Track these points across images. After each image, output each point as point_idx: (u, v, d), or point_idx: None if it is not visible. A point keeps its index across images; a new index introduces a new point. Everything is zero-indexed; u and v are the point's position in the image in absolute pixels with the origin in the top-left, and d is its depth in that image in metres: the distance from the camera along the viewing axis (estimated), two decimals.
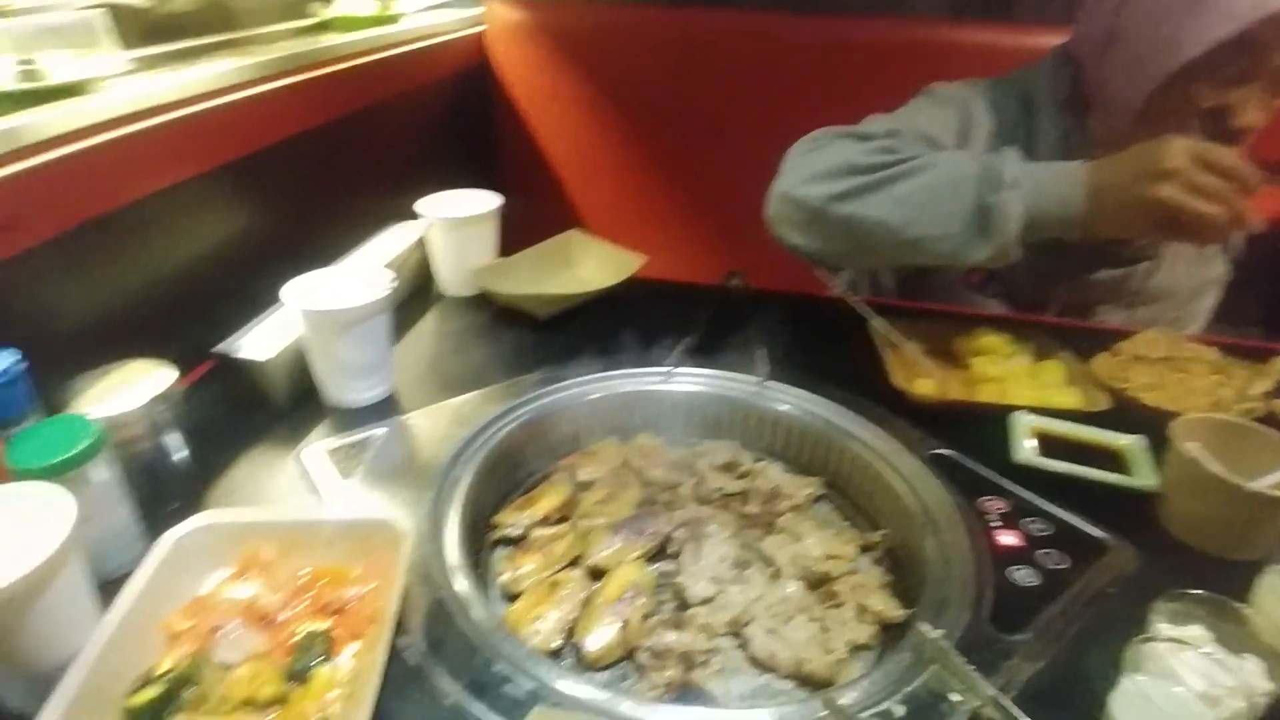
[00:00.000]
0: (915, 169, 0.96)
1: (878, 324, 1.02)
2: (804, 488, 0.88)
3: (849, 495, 0.90)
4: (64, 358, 0.76)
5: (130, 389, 0.74)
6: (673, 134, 1.62)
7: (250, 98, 1.07)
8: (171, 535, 0.66)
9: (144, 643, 0.60)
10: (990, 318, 1.11)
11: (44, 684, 0.53)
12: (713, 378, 0.99)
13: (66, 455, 0.62)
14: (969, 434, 0.87)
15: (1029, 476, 0.81)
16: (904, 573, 0.79)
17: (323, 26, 1.53)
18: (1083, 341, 1.03)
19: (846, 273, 1.30)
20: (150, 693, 0.55)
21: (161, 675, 0.56)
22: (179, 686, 0.55)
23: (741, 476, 0.91)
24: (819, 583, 0.77)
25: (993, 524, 0.76)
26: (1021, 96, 1.12)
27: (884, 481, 0.84)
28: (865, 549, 0.82)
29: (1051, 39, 1.13)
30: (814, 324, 1.10)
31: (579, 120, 1.66)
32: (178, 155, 0.97)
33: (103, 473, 0.66)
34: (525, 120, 1.69)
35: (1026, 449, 0.84)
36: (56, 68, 0.91)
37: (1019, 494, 0.80)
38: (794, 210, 1.04)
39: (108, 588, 0.61)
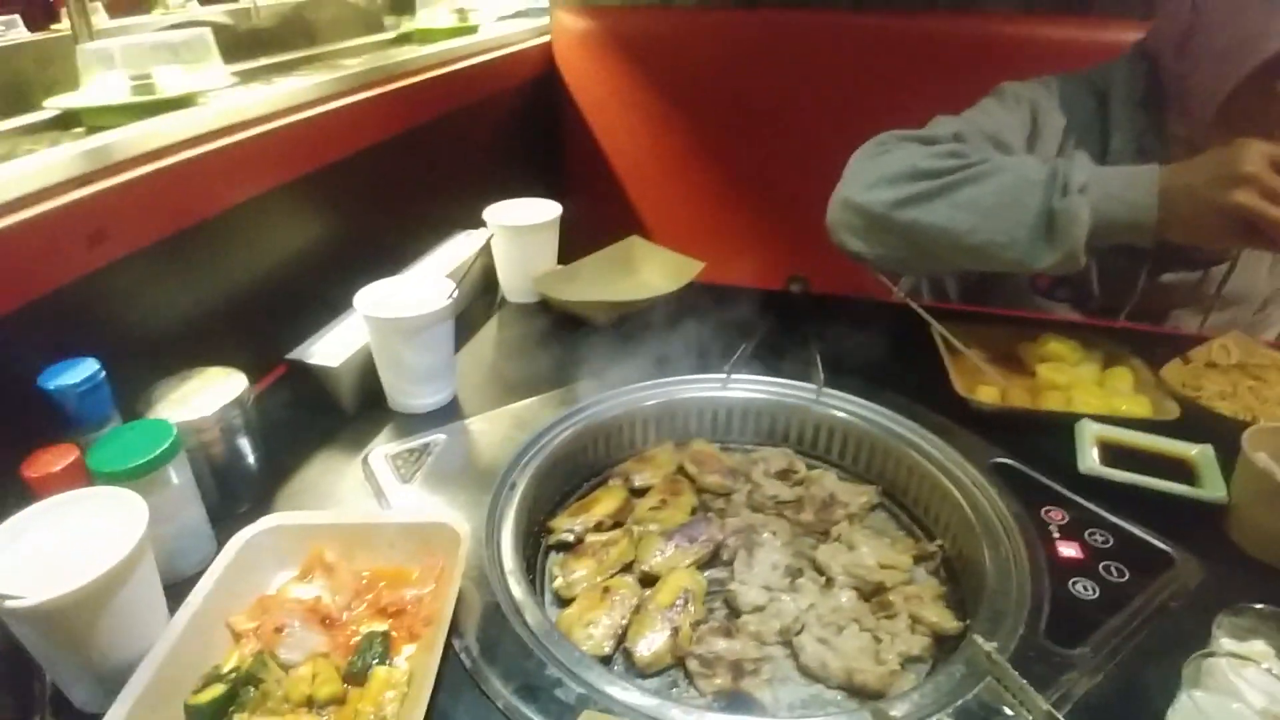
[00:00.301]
0: (980, 174, 0.94)
1: (940, 329, 1.00)
2: (859, 496, 0.87)
3: (905, 504, 0.89)
4: (142, 365, 0.81)
5: (205, 395, 0.78)
6: (735, 138, 1.61)
7: (329, 112, 1.12)
8: (241, 537, 0.69)
9: (210, 641, 0.63)
10: (1057, 323, 1.07)
11: (113, 682, 0.56)
12: (769, 384, 0.99)
13: (143, 460, 0.66)
14: (1032, 443, 0.85)
15: (1093, 487, 0.79)
16: (960, 584, 0.78)
17: (404, 38, 1.60)
18: (1154, 348, 0.99)
19: (908, 278, 1.28)
20: (214, 691, 0.57)
21: (225, 674, 0.59)
22: (242, 685, 0.58)
23: (796, 484, 0.91)
24: (873, 593, 0.76)
25: (1053, 535, 0.74)
26: (1096, 94, 1.08)
27: (942, 490, 0.83)
28: (921, 559, 0.81)
29: (1128, 34, 1.09)
30: (874, 330, 1.08)
31: (642, 126, 1.67)
32: (257, 170, 1.01)
33: (177, 476, 0.70)
34: (590, 127, 1.71)
35: (1091, 458, 0.82)
36: (168, 81, 0.98)
37: (1082, 504, 0.78)
38: (855, 217, 1.03)
39: (179, 587, 0.64)
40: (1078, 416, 0.87)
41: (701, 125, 1.63)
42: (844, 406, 0.94)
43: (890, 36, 1.49)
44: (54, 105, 0.99)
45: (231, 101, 1.00)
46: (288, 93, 1.08)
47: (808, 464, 0.94)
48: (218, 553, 0.68)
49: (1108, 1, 1.44)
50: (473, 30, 1.62)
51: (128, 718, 0.53)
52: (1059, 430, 0.86)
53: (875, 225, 1.01)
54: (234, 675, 0.58)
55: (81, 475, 0.65)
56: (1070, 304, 1.16)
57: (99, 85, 0.98)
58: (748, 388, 0.99)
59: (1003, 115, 1.08)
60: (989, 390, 0.93)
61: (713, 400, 0.99)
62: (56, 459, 0.66)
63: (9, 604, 0.52)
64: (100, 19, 1.11)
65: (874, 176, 1.01)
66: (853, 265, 1.08)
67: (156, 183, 0.87)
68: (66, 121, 0.99)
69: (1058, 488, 0.80)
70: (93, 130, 0.92)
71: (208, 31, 1.07)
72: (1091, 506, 0.77)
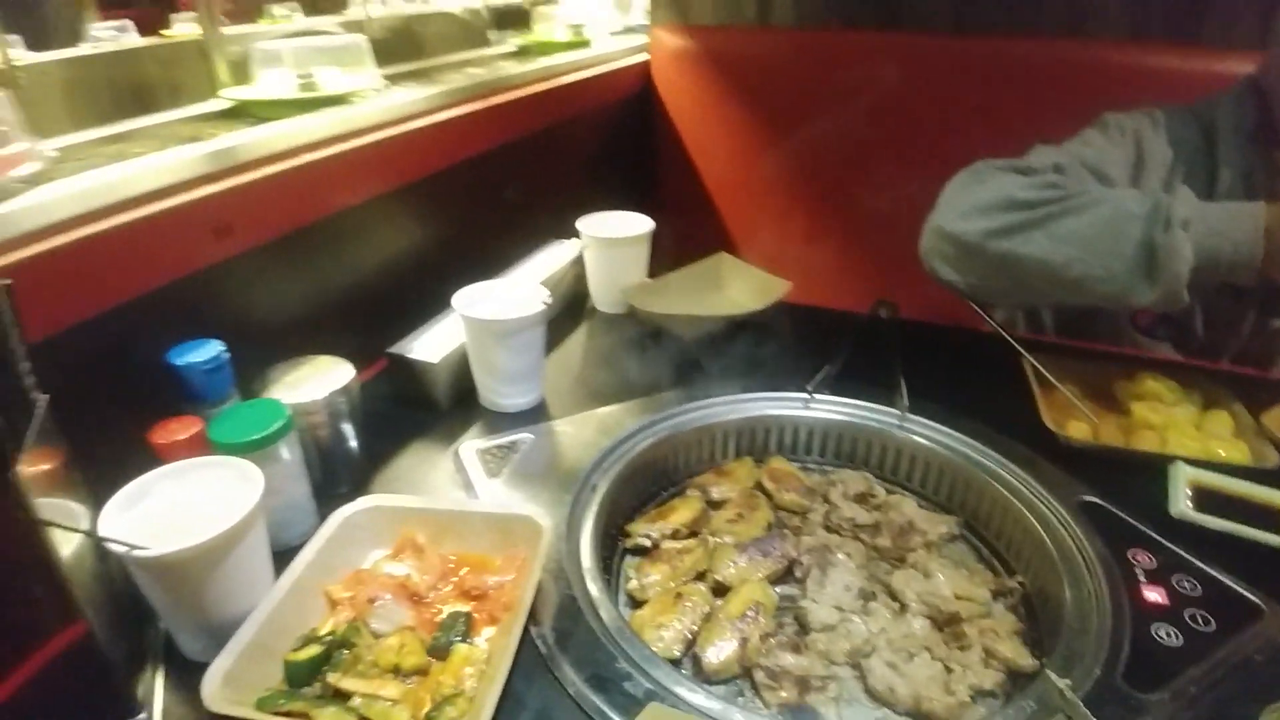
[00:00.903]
0: (1079, 205, 0.92)
1: (1032, 361, 0.98)
2: (939, 525, 0.87)
3: (986, 537, 0.88)
4: (259, 349, 0.86)
5: (314, 381, 0.84)
6: (828, 160, 1.61)
7: (441, 122, 1.18)
8: (340, 514, 0.74)
9: (308, 606, 0.67)
10: (1156, 362, 1.04)
11: (220, 634, 0.61)
12: (852, 406, 0.99)
13: (259, 435, 0.72)
14: (1122, 482, 0.82)
15: (1183, 531, 0.77)
16: (1038, 621, 0.76)
17: (523, 51, 1.68)
18: (1259, 393, 0.95)
19: (1003, 308, 1.25)
20: (311, 651, 0.62)
21: (322, 636, 0.63)
22: (336, 648, 0.63)
23: (874, 508, 0.90)
24: (947, 622, 0.76)
25: (1139, 578, 0.72)
26: (1203, 128, 1.05)
27: (1025, 525, 0.81)
28: (999, 594, 0.79)
29: (1238, 66, 1.06)
30: (962, 359, 1.08)
31: (735, 144, 1.69)
32: (370, 176, 1.08)
33: (287, 452, 0.75)
34: (683, 144, 1.74)
35: (1183, 502, 0.79)
36: (329, 81, 1.10)
37: (1171, 549, 0.75)
38: (949, 245, 1.02)
39: (282, 556, 0.69)
40: (1172, 458, 0.84)
41: (795, 146, 1.63)
42: (927, 433, 0.94)
43: (991, 61, 1.47)
44: (229, 96, 1.10)
45: (385, 101, 1.12)
46: (430, 96, 1.19)
47: (887, 489, 0.94)
48: (318, 527, 0.73)
49: (1217, 32, 1.39)
50: (586, 44, 1.70)
51: (232, 668, 0.58)
52: (1151, 471, 0.84)
53: (969, 254, 1.00)
54: (330, 638, 0.62)
55: (203, 445, 0.71)
56: (1172, 344, 1.12)
57: (268, 81, 1.11)
58: (829, 409, 0.99)
59: (1106, 147, 1.05)
60: (1080, 426, 0.91)
61: (793, 419, 0.99)
62: (182, 429, 0.72)
63: (136, 554, 0.57)
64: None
65: (968, 205, 1.00)
66: (942, 293, 1.07)
67: (278, 184, 0.94)
68: (237, 112, 1.09)
69: (1146, 530, 0.77)
70: (259, 120, 1.01)
71: (364, 38, 1.18)
72: (1181, 552, 0.75)
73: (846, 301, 1.20)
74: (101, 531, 0.58)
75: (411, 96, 1.16)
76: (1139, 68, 1.39)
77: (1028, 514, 0.81)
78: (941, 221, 1.02)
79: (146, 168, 0.82)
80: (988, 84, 1.47)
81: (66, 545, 0.55)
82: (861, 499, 0.91)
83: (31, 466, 0.52)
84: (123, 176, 0.79)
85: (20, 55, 1.04)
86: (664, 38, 1.71)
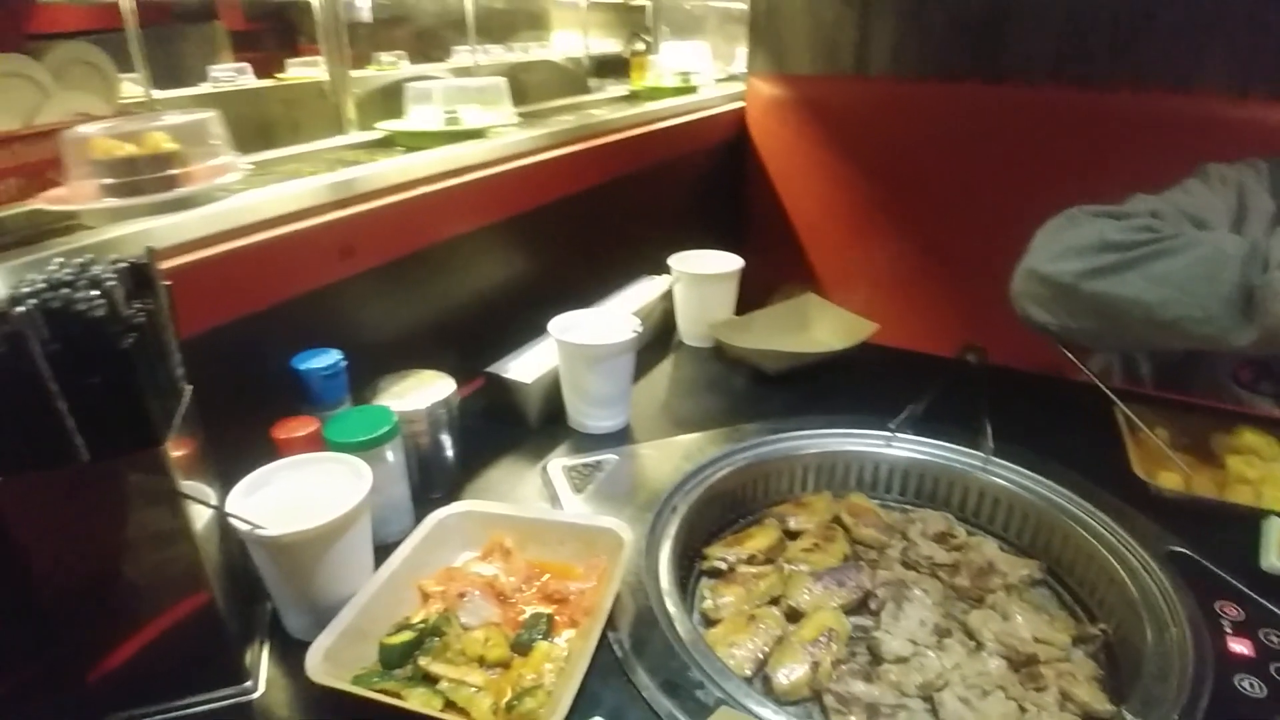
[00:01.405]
0: (1176, 246, 0.91)
1: (1124, 409, 0.96)
2: (1020, 568, 0.85)
3: (1068, 583, 0.86)
4: (372, 361, 0.94)
5: (419, 392, 0.90)
6: (919, 206, 1.62)
7: (547, 160, 1.26)
8: (436, 515, 0.79)
9: (403, 597, 0.72)
10: (1256, 416, 1.00)
11: (322, 615, 0.66)
12: (935, 447, 0.99)
13: (369, 436, 0.78)
14: (1212, 534, 0.80)
15: (1274, 586, 0.74)
16: (1118, 669, 0.74)
17: (633, 96, 1.80)
18: None
19: (1098, 356, 1.23)
20: (404, 636, 0.66)
21: (415, 624, 0.68)
22: (427, 635, 0.67)
23: (954, 548, 0.90)
24: (1024, 664, 0.75)
25: (1225, 630, 0.70)
26: None
27: (1110, 573, 0.79)
28: (1080, 641, 0.78)
29: None
30: (1051, 405, 1.06)
31: (826, 189, 1.71)
32: (479, 208, 1.15)
33: (392, 455, 0.81)
34: (774, 187, 1.78)
35: (1275, 557, 0.76)
36: (470, 117, 1.25)
37: (1260, 602, 0.73)
38: (1041, 287, 1.02)
39: (381, 550, 0.75)
40: (1266, 513, 0.82)
41: (885, 191, 1.65)
42: (1011, 476, 0.93)
43: (1091, 113, 1.46)
44: (383, 128, 1.27)
45: (518, 136, 1.26)
46: (554, 132, 1.33)
47: (968, 530, 0.93)
48: (415, 526, 0.78)
49: None
50: (693, 90, 1.80)
51: (332, 646, 0.63)
52: (1243, 525, 0.81)
53: (1062, 296, 1.00)
54: (422, 626, 0.67)
55: (318, 443, 0.78)
56: (1274, 400, 1.08)
57: (418, 115, 1.26)
58: (911, 448, 0.99)
59: (1207, 196, 1.04)
60: (1171, 476, 0.89)
61: (874, 455, 1.00)
62: (300, 427, 0.79)
63: (257, 533, 0.63)
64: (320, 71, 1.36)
65: (1061, 247, 1.00)
66: (1032, 339, 1.06)
67: (397, 211, 1.02)
68: (387, 142, 1.26)
69: (1236, 583, 0.75)
70: (409, 150, 1.17)
71: (504, 81, 1.33)
72: (1270, 606, 0.72)
73: (933, 345, 1.20)
74: (229, 510, 0.65)
75: (537, 132, 1.28)
76: (1243, 121, 1.36)
77: (1113, 561, 0.80)
78: (1034, 263, 1.02)
79: (319, 184, 0.94)
80: (1087, 136, 1.46)
81: (199, 520, 0.61)
82: (941, 538, 0.91)
83: (176, 448, 0.59)
84: (300, 190, 0.91)
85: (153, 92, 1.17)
86: (760, 86, 1.76)
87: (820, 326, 1.32)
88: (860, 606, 0.83)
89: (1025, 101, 1.50)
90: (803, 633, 0.76)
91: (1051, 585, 0.87)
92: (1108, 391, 0.98)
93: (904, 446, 1.00)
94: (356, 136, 1.28)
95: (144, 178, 0.81)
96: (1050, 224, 1.06)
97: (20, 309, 0.51)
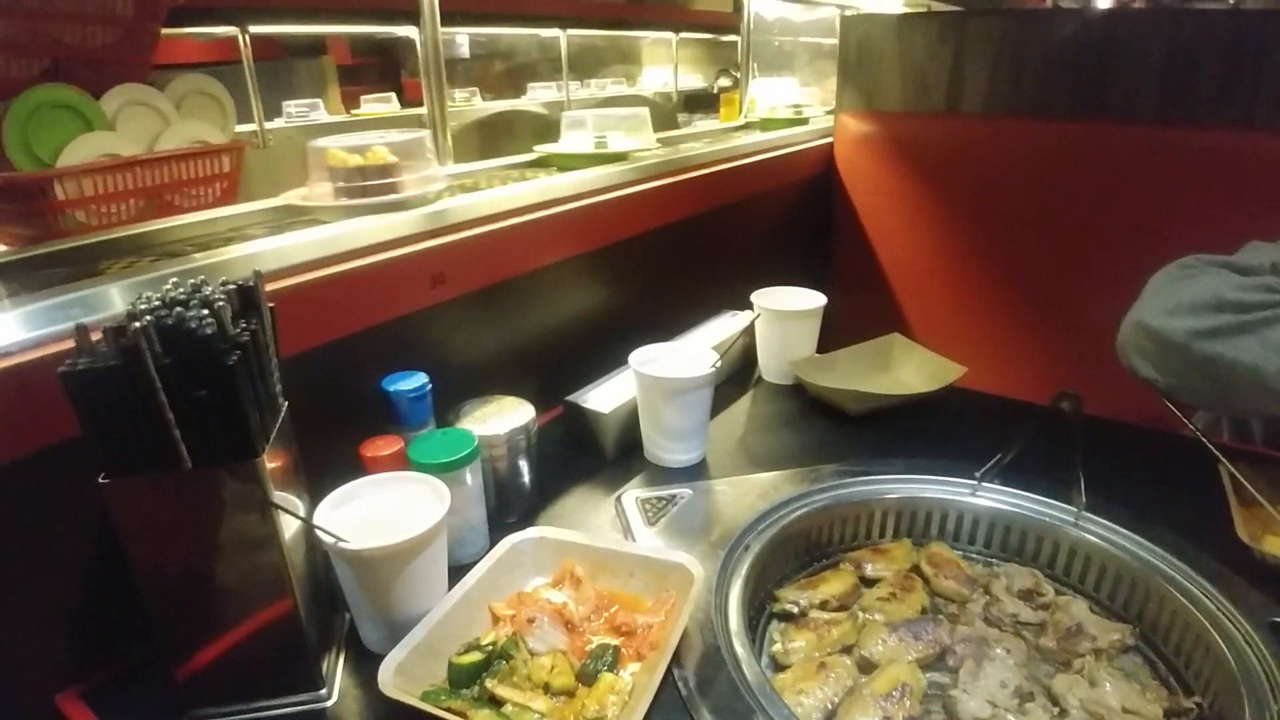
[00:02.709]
0: None
1: (1230, 470, 0.91)
2: (1111, 633, 0.81)
3: (1163, 651, 0.81)
4: (455, 385, 0.96)
5: (499, 418, 0.92)
6: (1013, 247, 1.57)
7: (634, 194, 1.29)
8: (510, 540, 0.81)
9: (474, 618, 0.74)
10: None
11: (397, 629, 0.68)
12: (1023, 498, 0.95)
13: (450, 459, 0.80)
14: None
15: None
16: None
17: (747, 126, 1.96)
18: None
19: (1205, 412, 1.16)
20: (473, 657, 0.68)
21: (484, 645, 0.69)
22: (495, 658, 0.68)
23: (1041, 607, 0.86)
24: None
25: None
26: None
27: (1208, 642, 0.74)
28: (1172, 714, 0.73)
29: None
30: (1151, 460, 1.01)
31: (914, 228, 1.68)
32: (564, 240, 1.18)
33: (471, 478, 0.83)
34: (861, 225, 1.76)
35: None
36: (616, 142, 1.42)
37: None
38: (1150, 342, 0.97)
39: (455, 571, 0.76)
40: None
41: (978, 230, 1.61)
42: (1104, 534, 0.88)
43: (1195, 154, 1.39)
44: (540, 150, 1.45)
45: (655, 157, 1.43)
46: (692, 153, 1.48)
47: (1056, 589, 0.89)
48: (489, 549, 0.80)
49: None
50: (804, 122, 1.86)
51: (404, 660, 0.65)
52: None
53: (1171, 354, 0.94)
54: (490, 648, 0.68)
55: (402, 462, 0.81)
56: None
57: (571, 139, 1.43)
58: (998, 498, 0.96)
59: None
60: (1278, 542, 0.83)
61: (958, 504, 0.97)
62: (386, 446, 0.82)
63: (341, 545, 0.66)
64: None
65: (1174, 302, 0.95)
66: (1133, 390, 1.01)
67: (488, 242, 1.05)
68: (542, 162, 1.43)
69: None
70: (562, 170, 1.33)
71: (645, 111, 1.48)
72: None
73: (1024, 392, 1.16)
74: (316, 522, 0.67)
75: (677, 151, 1.49)
76: None
77: (1212, 630, 0.75)
78: (1144, 316, 0.97)
79: (416, 215, 1.00)
80: (1193, 178, 1.39)
81: (287, 530, 0.64)
82: (1027, 595, 0.87)
83: (272, 460, 0.62)
84: (396, 220, 0.98)
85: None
86: (849, 122, 1.75)
87: (905, 368, 1.29)
88: (937, 662, 0.80)
89: (1128, 141, 1.45)
90: (875, 685, 0.74)
91: (1144, 652, 0.82)
92: (1213, 449, 0.93)
93: (990, 496, 0.96)
94: (521, 158, 1.48)
95: (369, 183, 1.00)
96: (1163, 273, 1.01)
97: (137, 324, 0.54)
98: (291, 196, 1.04)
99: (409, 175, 1.03)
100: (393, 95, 3.24)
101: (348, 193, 0.99)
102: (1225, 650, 0.72)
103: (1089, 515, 0.90)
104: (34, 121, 1.12)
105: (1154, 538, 0.86)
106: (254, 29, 2.72)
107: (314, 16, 3.12)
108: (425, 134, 1.08)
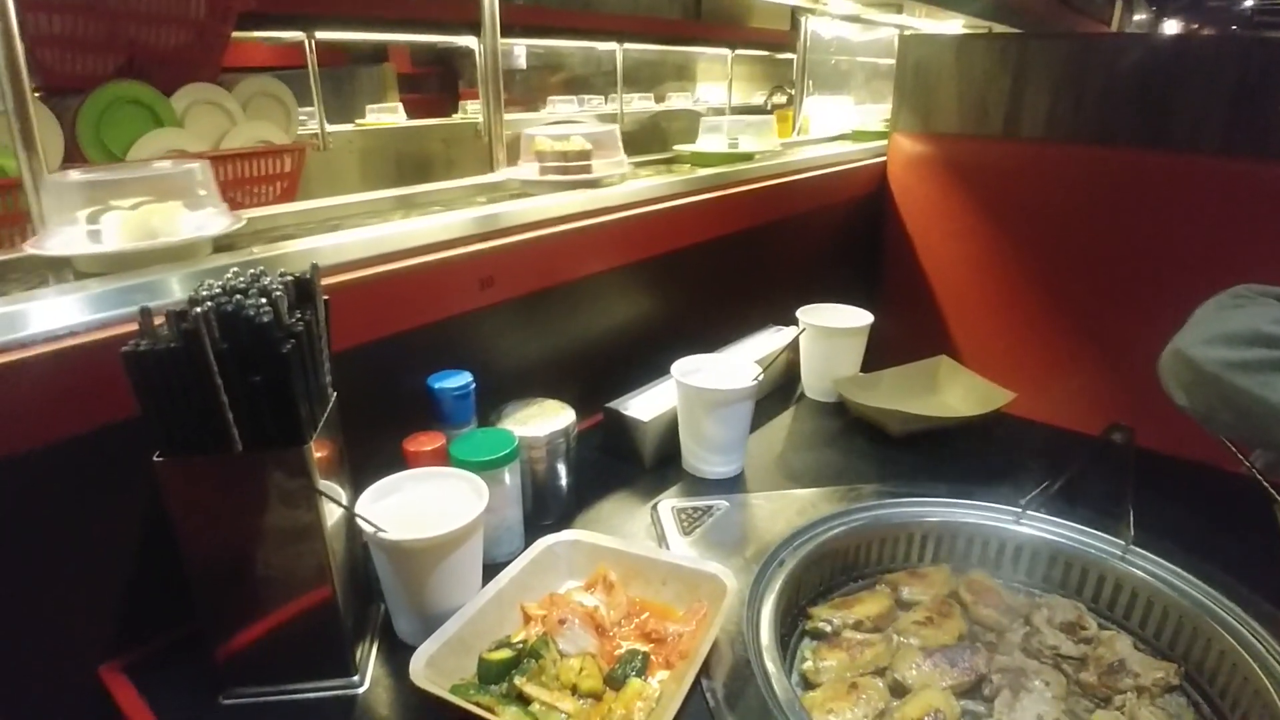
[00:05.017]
0: None
1: None
2: (1155, 670, 0.78)
3: (1208, 693, 0.78)
4: (498, 386, 0.98)
5: (540, 421, 0.93)
6: (1069, 273, 1.54)
7: (687, 205, 1.30)
8: (545, 541, 0.81)
9: (507, 616, 0.74)
10: None
11: (430, 622, 0.69)
12: (1068, 528, 0.93)
13: (490, 457, 0.81)
14: None
15: None
16: None
17: (843, 137, 2.10)
18: None
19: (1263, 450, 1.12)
20: (503, 654, 0.68)
21: (514, 643, 0.69)
22: (525, 656, 0.68)
23: (1083, 641, 0.84)
24: None
25: None
26: None
27: (1256, 685, 0.72)
28: None
29: None
30: (1204, 497, 0.98)
31: (967, 251, 1.66)
32: (613, 249, 1.18)
33: (510, 478, 0.84)
34: (912, 245, 1.74)
35: None
36: (746, 144, 1.62)
37: None
38: (1185, 370, 0.94)
39: (489, 569, 0.77)
40: None
41: (1032, 256, 1.58)
42: (1152, 569, 0.86)
43: (1262, 185, 1.35)
44: (678, 149, 1.67)
45: (782, 159, 1.63)
46: (823, 156, 1.69)
47: (1100, 623, 0.87)
48: (524, 549, 0.80)
49: None
50: (886, 135, 1.86)
51: (435, 653, 0.65)
52: None
53: (1204, 384, 0.91)
54: (521, 646, 0.68)
55: (443, 458, 0.82)
56: None
57: (707, 141, 1.64)
58: (1043, 527, 0.94)
59: None
60: None
61: (1000, 531, 0.95)
62: (429, 442, 0.83)
63: (380, 535, 0.67)
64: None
65: (1213, 331, 0.91)
66: (1188, 425, 0.97)
67: (538, 248, 1.06)
68: (676, 160, 1.63)
69: None
70: (695, 167, 1.53)
71: (773, 118, 1.74)
72: None
73: (1074, 421, 1.13)
74: (358, 511, 0.68)
75: (808, 154, 1.68)
76: None
77: (1260, 673, 0.72)
78: (1182, 343, 0.94)
79: (466, 218, 1.02)
80: (1260, 210, 1.35)
81: (330, 518, 0.65)
82: (1069, 628, 0.85)
83: (319, 449, 0.63)
84: (449, 222, 1.01)
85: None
86: (903, 143, 1.74)
87: (951, 391, 1.27)
88: (972, 690, 0.79)
89: (1191, 171, 1.41)
90: (907, 710, 0.73)
91: (1189, 693, 0.79)
92: (1268, 488, 0.89)
93: (1035, 525, 0.94)
94: (658, 155, 1.67)
95: (569, 164, 1.23)
96: (1212, 301, 0.98)
97: (198, 309, 0.56)
98: (502, 174, 1.28)
99: (601, 160, 1.26)
100: (398, 106, 3.43)
101: (550, 171, 1.23)
102: (1274, 694, 0.70)
103: (1137, 549, 0.88)
104: (107, 116, 1.17)
105: (1204, 575, 0.83)
106: (320, 35, 2.81)
107: (378, 25, 3.20)
108: (614, 127, 1.33)
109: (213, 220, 0.85)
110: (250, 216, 0.94)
